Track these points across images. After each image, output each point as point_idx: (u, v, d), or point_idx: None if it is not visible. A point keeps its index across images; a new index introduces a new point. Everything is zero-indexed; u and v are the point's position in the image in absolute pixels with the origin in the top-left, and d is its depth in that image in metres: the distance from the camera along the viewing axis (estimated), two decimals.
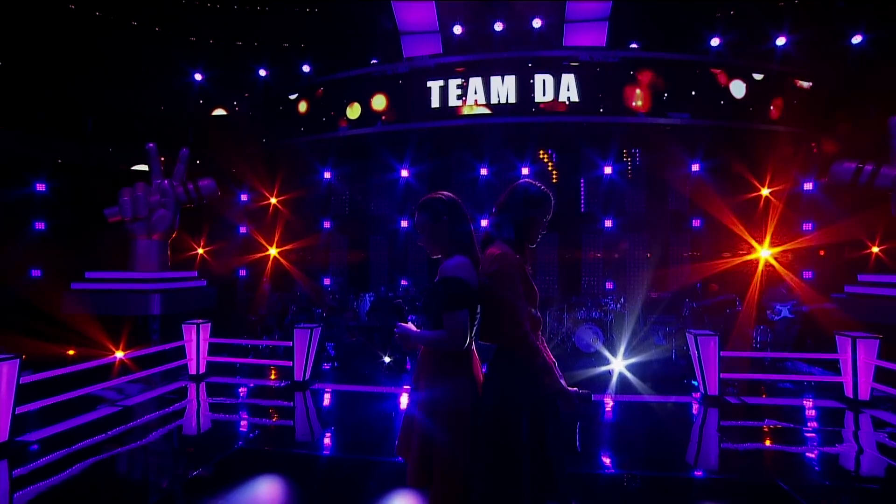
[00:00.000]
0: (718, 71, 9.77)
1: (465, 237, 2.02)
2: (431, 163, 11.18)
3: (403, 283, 10.87)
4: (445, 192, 2.08)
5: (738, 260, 9.93)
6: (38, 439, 4.21)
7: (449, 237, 2.01)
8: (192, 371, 6.03)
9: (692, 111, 9.79)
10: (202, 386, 5.91)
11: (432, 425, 1.91)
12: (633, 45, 10.61)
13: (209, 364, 6.39)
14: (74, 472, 3.69)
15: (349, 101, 10.66)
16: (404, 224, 11.21)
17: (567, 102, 9.57)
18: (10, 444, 4.00)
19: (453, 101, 9.85)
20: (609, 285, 10.66)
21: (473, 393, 1.93)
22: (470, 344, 1.97)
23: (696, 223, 10.74)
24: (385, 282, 11.03)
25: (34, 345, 6.80)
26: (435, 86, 9.89)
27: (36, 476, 3.64)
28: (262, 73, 11.46)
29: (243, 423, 4.89)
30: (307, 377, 5.86)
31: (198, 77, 11.25)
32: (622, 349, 7.44)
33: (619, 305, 8.66)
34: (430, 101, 9.93)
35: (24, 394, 4.37)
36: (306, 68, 11.08)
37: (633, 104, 9.75)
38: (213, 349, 6.68)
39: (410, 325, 2.04)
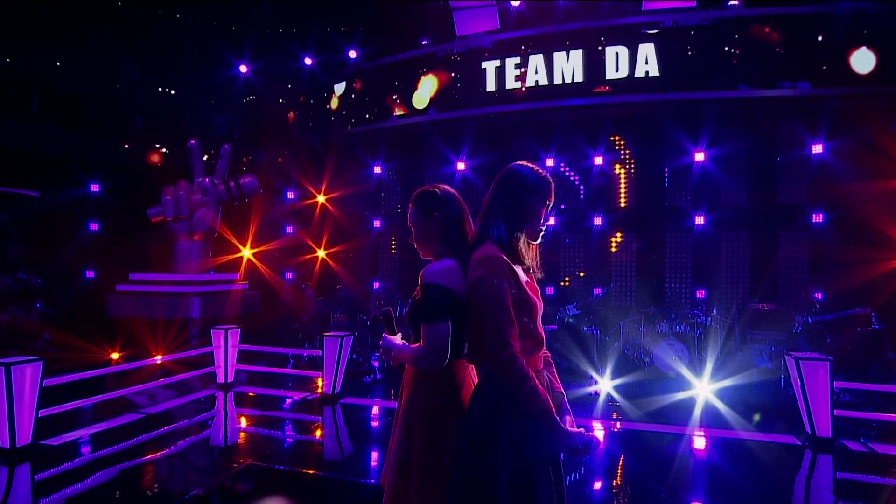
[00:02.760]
0: (854, 23, 8.52)
1: (459, 238, 1.96)
2: (490, 154, 10.92)
3: None
4: (443, 185, 2.04)
5: (876, 264, 8.70)
6: (60, 444, 4.54)
7: (440, 237, 1.97)
8: (220, 379, 6.29)
9: (814, 78, 8.66)
10: (230, 396, 6.14)
11: (407, 457, 1.86)
12: (733, 2, 9.67)
13: (239, 372, 6.65)
14: (84, 481, 3.93)
15: (398, 88, 10.72)
16: None
17: (645, 77, 8.92)
18: (33, 447, 4.35)
19: (511, 84, 9.55)
20: (700, 294, 9.82)
21: (458, 423, 1.83)
22: (456, 362, 1.89)
23: (816, 218, 9.54)
24: None
25: (84, 346, 7.46)
26: (490, 66, 9.66)
27: (55, 482, 3.93)
28: (308, 61, 11.87)
29: (259, 437, 5.01)
30: (337, 390, 5.89)
31: (243, 69, 11.89)
32: (710, 371, 6.80)
33: (709, 318, 7.93)
34: (485, 83, 9.71)
35: (54, 397, 4.77)
36: (353, 54, 11.31)
37: (732, 75, 8.86)
38: (247, 357, 6.96)
39: (396, 338, 2.01)
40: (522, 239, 1.86)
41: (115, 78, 10.96)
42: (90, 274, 9.85)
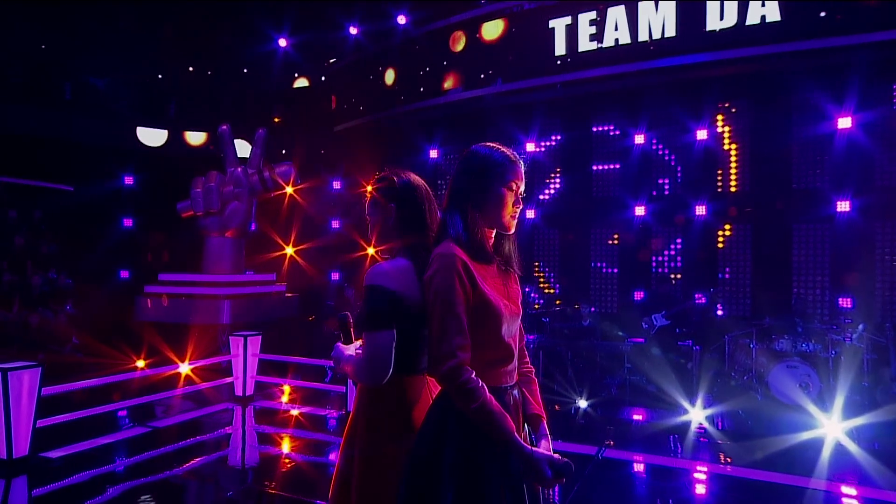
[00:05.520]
0: None
1: (418, 235, 1.98)
2: (565, 131, 10.57)
3: (526, 290, 10.51)
4: (405, 172, 2.08)
5: None
6: (59, 457, 4.86)
7: (396, 232, 2.01)
8: (238, 392, 6.53)
9: None
10: (248, 411, 6.34)
11: (347, 478, 1.92)
12: None
13: (263, 385, 6.86)
14: (81, 501, 4.19)
15: (455, 56, 10.61)
16: (530, 214, 10.81)
17: (761, 24, 8.11)
18: (31, 458, 4.69)
19: (585, 44, 9.11)
20: (843, 302, 8.80)
21: (405, 444, 1.85)
22: (409, 377, 1.93)
23: None
24: None
25: (110, 352, 8.03)
26: (559, 25, 9.28)
27: (52, 499, 4.25)
28: (353, 31, 12.07)
29: (270, 458, 5.16)
30: None
31: (282, 43, 12.32)
32: (849, 404, 6.11)
33: (851, 334, 7.07)
34: (553, 45, 9.35)
35: (61, 406, 5.18)
36: (402, 19, 11.36)
37: (889, 9, 7.77)
38: (279, 368, 7.15)
39: (350, 347, 2.06)
40: (492, 232, 1.88)
41: (146, 59, 11.79)
42: (124, 274, 10.65)
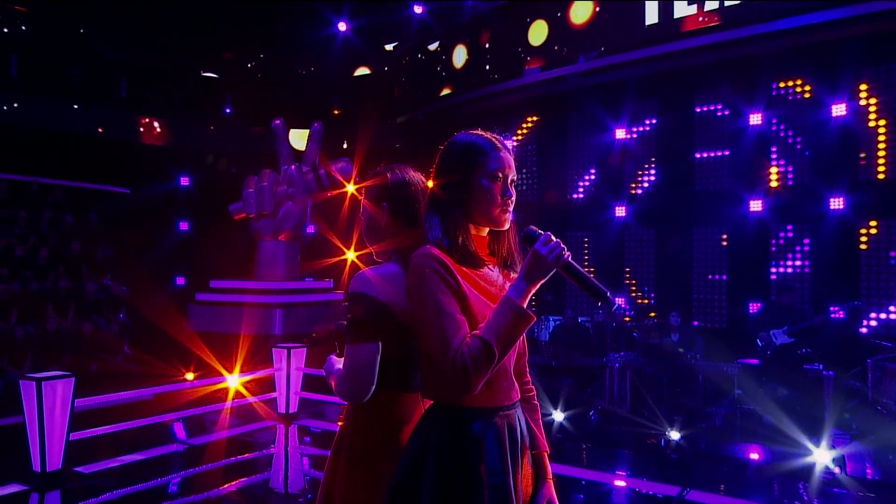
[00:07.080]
0: None
1: (412, 237, 1.98)
2: (661, 113, 10.15)
3: (620, 301, 10.14)
4: (401, 168, 2.10)
5: None
6: (91, 472, 5.15)
7: (388, 233, 2.04)
8: (282, 409, 6.65)
9: None
10: (291, 430, 6.44)
11: (330, 497, 1.99)
12: None
13: (312, 403, 6.96)
14: None
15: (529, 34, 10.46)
16: (620, 212, 10.45)
17: None
18: (64, 472, 4.96)
19: (681, 10, 8.69)
20: None
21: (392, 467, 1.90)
22: (403, 395, 1.96)
23: None
24: (585, 298, 10.43)
25: (160, 364, 8.47)
26: None
27: None
28: (418, 9, 12.17)
29: (307, 483, 5.24)
30: None
31: (342, 27, 12.61)
32: None
33: None
34: (643, 14, 9.04)
35: (99, 419, 5.48)
36: None
37: None
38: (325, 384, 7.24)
39: (342, 360, 2.07)
40: (482, 230, 1.87)
41: (198, 49, 12.41)
42: (180, 280, 11.26)
